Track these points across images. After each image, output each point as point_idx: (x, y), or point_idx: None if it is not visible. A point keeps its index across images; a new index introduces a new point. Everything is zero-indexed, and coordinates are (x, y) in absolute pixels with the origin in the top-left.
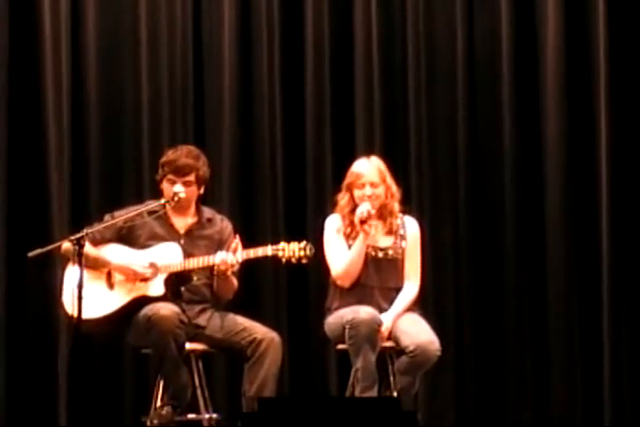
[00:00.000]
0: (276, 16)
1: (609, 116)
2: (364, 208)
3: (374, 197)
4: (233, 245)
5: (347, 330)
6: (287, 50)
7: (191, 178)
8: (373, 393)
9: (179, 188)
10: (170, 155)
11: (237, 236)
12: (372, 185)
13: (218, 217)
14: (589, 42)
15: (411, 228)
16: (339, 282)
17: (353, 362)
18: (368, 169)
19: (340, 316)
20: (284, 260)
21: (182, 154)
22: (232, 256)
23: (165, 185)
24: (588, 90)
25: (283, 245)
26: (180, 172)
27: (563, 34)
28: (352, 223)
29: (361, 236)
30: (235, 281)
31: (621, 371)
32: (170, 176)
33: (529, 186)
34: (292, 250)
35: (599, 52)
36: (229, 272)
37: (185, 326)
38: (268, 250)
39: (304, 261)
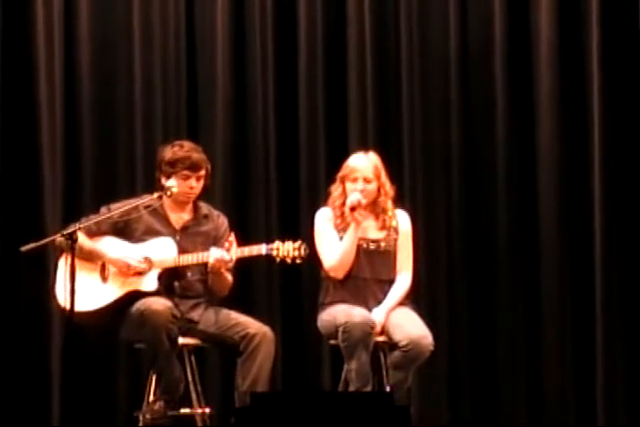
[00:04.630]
0: (269, 8)
1: (602, 104)
2: (354, 197)
3: (365, 192)
4: (227, 244)
5: (340, 333)
6: (280, 44)
7: (203, 173)
8: None
9: (172, 182)
10: (177, 151)
11: (233, 233)
12: (366, 180)
13: (214, 213)
14: (583, 30)
15: (402, 221)
16: (332, 273)
17: (346, 363)
18: (364, 164)
19: (333, 315)
20: (277, 259)
21: (191, 149)
22: (226, 254)
23: (178, 181)
24: (581, 79)
25: (277, 244)
26: (195, 167)
27: (556, 23)
28: (343, 215)
29: (352, 225)
30: (229, 277)
31: (614, 351)
32: (185, 172)
33: (522, 182)
34: (286, 250)
35: (592, 39)
36: (223, 269)
37: (178, 321)
38: (262, 249)
39: (298, 261)
